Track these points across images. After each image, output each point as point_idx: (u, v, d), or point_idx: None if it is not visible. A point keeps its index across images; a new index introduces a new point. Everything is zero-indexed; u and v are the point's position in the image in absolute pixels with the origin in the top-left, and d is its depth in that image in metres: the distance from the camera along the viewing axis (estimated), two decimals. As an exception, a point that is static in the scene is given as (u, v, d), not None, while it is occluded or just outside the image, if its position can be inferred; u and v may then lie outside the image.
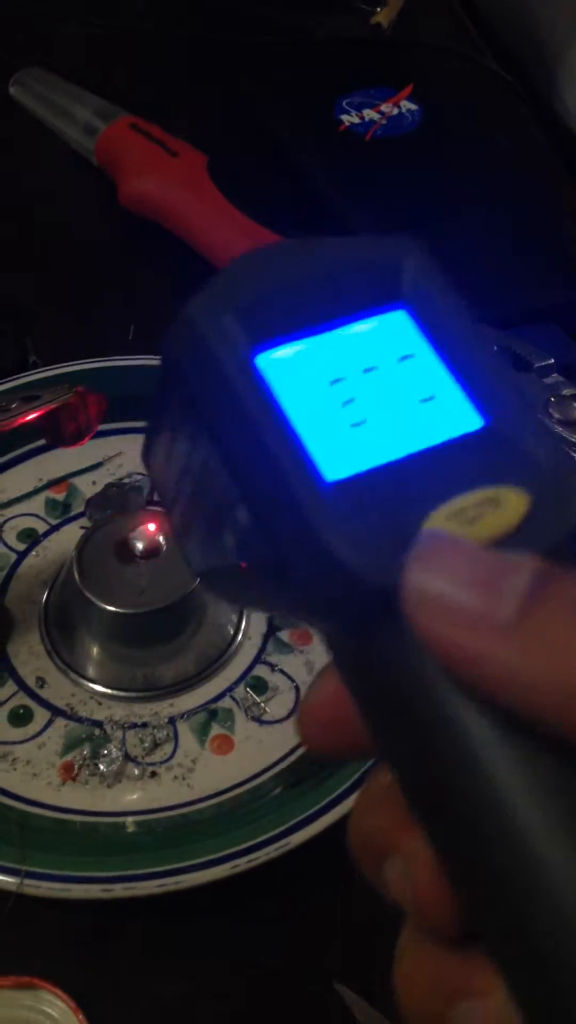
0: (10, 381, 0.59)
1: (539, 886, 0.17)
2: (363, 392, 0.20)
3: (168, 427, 0.23)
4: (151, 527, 0.52)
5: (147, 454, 0.24)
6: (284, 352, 0.20)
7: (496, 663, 0.17)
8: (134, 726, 0.50)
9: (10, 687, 0.51)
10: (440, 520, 0.19)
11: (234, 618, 0.54)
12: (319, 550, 0.18)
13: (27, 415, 0.47)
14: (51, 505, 0.58)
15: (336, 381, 0.20)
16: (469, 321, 0.21)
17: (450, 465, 0.20)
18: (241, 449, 0.20)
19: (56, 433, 0.50)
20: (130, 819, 0.47)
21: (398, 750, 0.20)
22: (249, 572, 0.21)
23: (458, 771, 0.18)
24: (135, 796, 0.48)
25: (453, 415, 0.20)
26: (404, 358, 0.21)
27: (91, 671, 0.52)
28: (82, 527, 0.57)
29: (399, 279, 0.21)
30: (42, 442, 0.59)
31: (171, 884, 0.43)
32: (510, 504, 0.19)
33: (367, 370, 0.21)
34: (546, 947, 0.17)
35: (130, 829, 0.47)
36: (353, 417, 0.20)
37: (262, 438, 0.19)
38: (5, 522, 0.57)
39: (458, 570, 0.18)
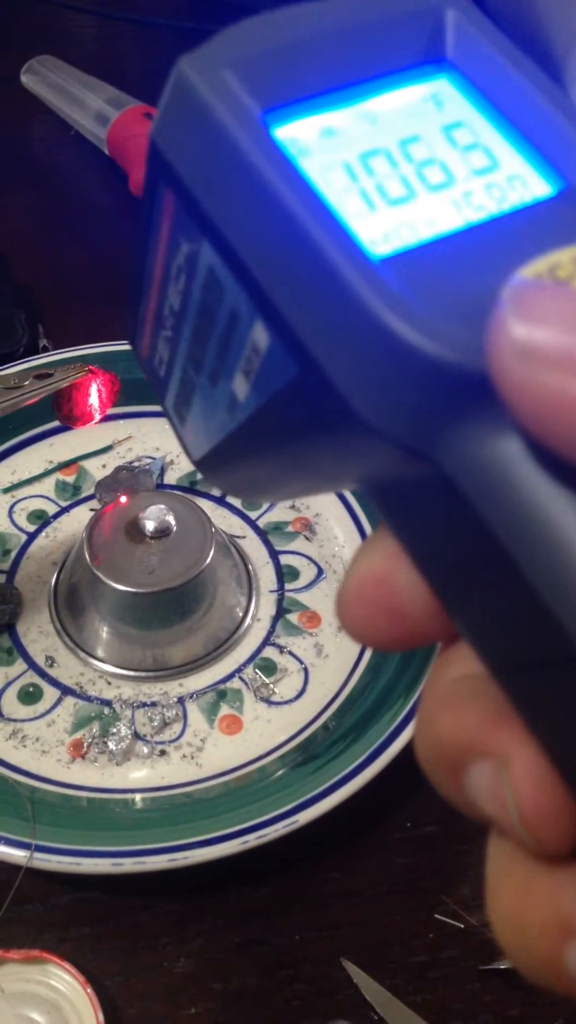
0: (22, 364, 0.59)
1: None
2: (404, 164, 0.17)
3: (156, 266, 0.19)
4: (162, 508, 0.52)
5: (132, 330, 0.21)
6: (302, 119, 0.17)
7: None
8: (143, 705, 0.50)
9: (20, 665, 0.51)
10: (531, 276, 0.15)
11: (243, 600, 0.54)
12: (375, 337, 0.15)
13: (40, 394, 0.47)
14: (61, 487, 0.59)
15: (370, 153, 0.17)
16: (537, 80, 0.17)
17: (525, 231, 0.16)
18: (258, 237, 0.16)
19: (67, 413, 0.50)
20: (138, 796, 0.47)
21: (484, 612, 0.16)
22: (269, 414, 0.17)
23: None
24: (144, 774, 0.48)
25: (521, 182, 0.17)
26: (451, 125, 0.17)
27: (100, 651, 0.52)
28: (92, 509, 0.58)
29: (441, 34, 0.17)
30: (52, 424, 0.59)
31: (181, 859, 0.43)
32: None
33: (407, 140, 0.17)
34: None
35: (139, 806, 0.47)
36: (395, 191, 0.17)
37: (286, 214, 0.15)
38: (16, 503, 0.58)
39: (567, 312, 0.14)
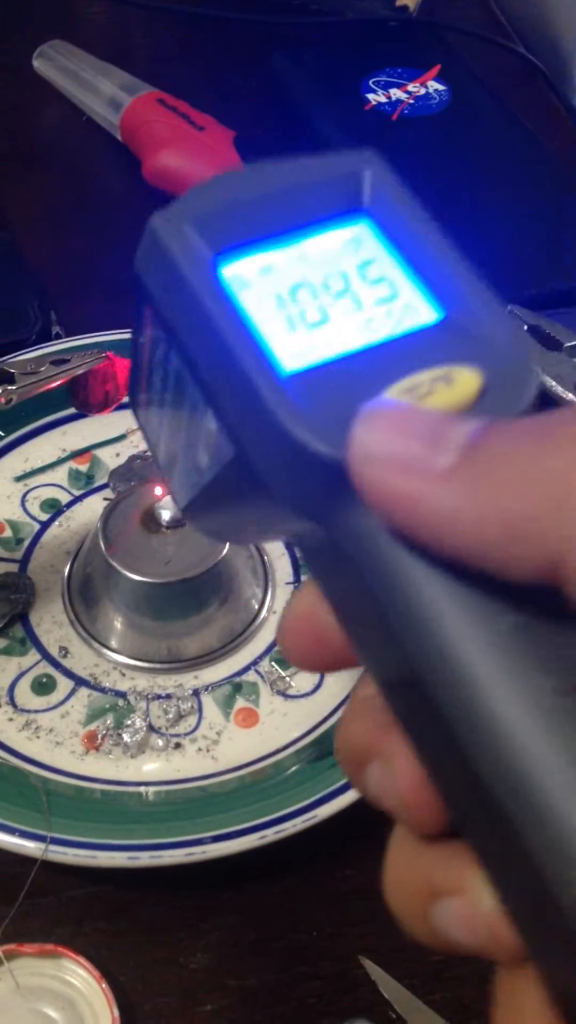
0: (39, 349, 0.58)
1: (518, 774, 0.17)
2: (324, 295, 0.21)
3: (146, 360, 0.23)
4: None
5: (133, 397, 0.26)
6: (246, 259, 0.21)
7: (438, 505, 0.18)
8: (158, 697, 0.50)
9: (33, 656, 0.51)
10: (394, 395, 0.19)
11: (259, 592, 0.54)
12: (277, 434, 0.19)
13: (57, 380, 0.47)
14: (74, 476, 0.58)
15: (298, 285, 0.21)
16: (431, 226, 0.21)
17: (407, 352, 0.20)
18: (203, 352, 0.20)
19: (84, 399, 0.50)
20: (153, 790, 0.46)
21: (368, 643, 0.20)
22: (221, 482, 0.22)
23: (423, 653, 0.18)
24: (159, 767, 0.47)
25: (413, 310, 0.21)
26: (365, 263, 0.21)
27: (114, 642, 0.51)
28: (105, 499, 0.57)
29: (360, 189, 0.22)
30: (65, 412, 0.59)
31: (198, 854, 0.42)
32: (463, 381, 0.19)
33: (329, 275, 0.21)
34: (529, 839, 0.17)
35: (154, 800, 0.46)
36: (313, 317, 0.21)
37: (220, 337, 0.20)
38: (28, 491, 0.57)
39: (402, 426, 0.18)
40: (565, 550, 0.17)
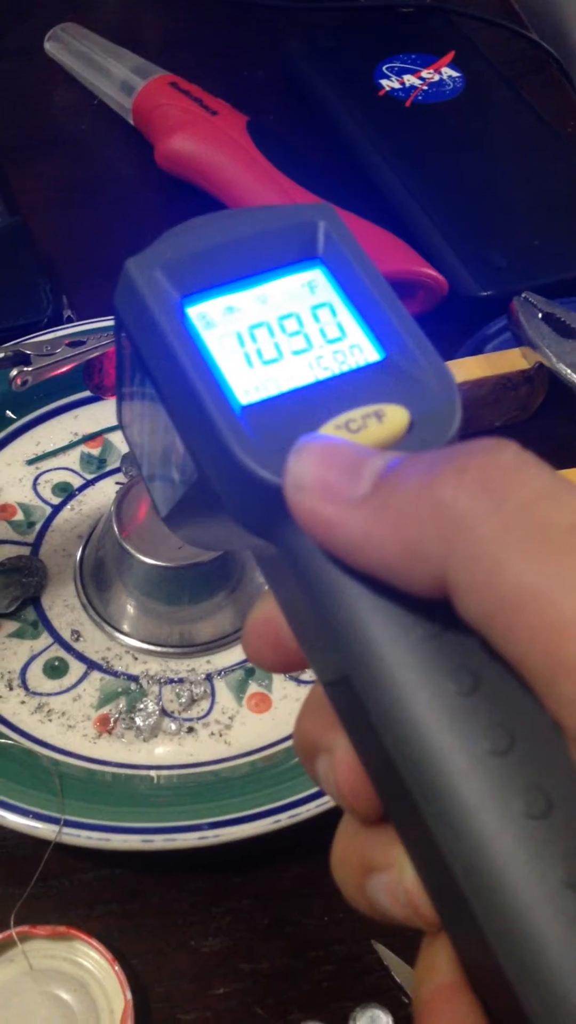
0: (54, 331, 0.58)
1: (424, 763, 0.20)
2: (279, 334, 0.23)
3: (127, 383, 0.26)
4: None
5: (119, 415, 0.28)
6: (210, 301, 0.23)
7: (352, 528, 0.20)
8: (171, 681, 0.49)
9: (45, 639, 0.51)
10: (330, 429, 0.22)
11: (271, 577, 0.53)
12: (230, 461, 0.21)
13: (72, 361, 0.46)
14: (86, 460, 0.58)
15: (256, 325, 0.23)
16: (376, 275, 0.24)
17: (348, 389, 0.23)
18: (169, 383, 0.23)
19: (99, 382, 0.49)
20: (166, 773, 0.46)
21: (311, 646, 0.23)
22: (191, 499, 0.24)
23: (351, 656, 0.21)
24: (171, 751, 0.47)
25: (357, 351, 0.23)
26: (318, 306, 0.24)
27: (126, 626, 0.51)
28: (117, 483, 0.57)
29: (315, 239, 0.24)
30: (77, 396, 0.58)
31: (212, 837, 0.42)
32: (392, 418, 0.22)
33: (284, 316, 0.24)
34: (430, 820, 0.19)
35: (166, 783, 0.46)
36: (269, 354, 0.23)
37: (183, 371, 0.22)
38: (40, 475, 0.57)
39: (328, 459, 0.21)
40: (449, 569, 0.19)
